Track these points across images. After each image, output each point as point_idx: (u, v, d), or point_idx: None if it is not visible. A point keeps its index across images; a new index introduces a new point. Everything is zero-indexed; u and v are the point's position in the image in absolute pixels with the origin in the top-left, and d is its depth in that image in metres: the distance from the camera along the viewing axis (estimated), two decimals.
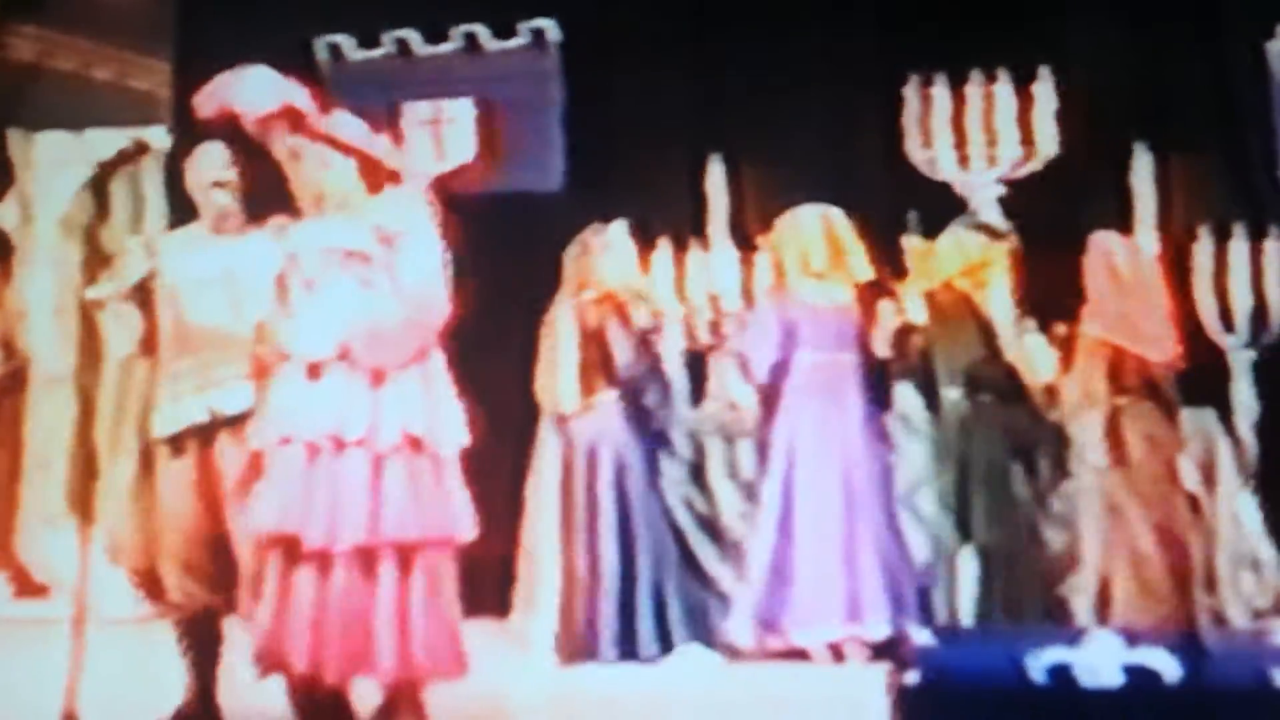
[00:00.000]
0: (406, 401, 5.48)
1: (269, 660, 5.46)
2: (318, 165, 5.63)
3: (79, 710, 5.54)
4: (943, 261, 6.85)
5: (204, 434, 5.73)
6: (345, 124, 5.77)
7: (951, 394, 6.76)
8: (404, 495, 5.40)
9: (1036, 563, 6.71)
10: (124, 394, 6.80)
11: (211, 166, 5.86)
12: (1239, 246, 6.90)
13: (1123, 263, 6.57)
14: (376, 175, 5.63)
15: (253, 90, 5.71)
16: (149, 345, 5.95)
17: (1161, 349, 6.50)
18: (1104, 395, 6.52)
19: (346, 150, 5.66)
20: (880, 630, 6.45)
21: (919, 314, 6.73)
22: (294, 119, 5.58)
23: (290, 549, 5.38)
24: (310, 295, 5.49)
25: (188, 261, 5.82)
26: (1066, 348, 6.62)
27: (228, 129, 5.81)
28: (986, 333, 6.82)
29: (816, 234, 6.70)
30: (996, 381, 6.76)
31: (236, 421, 5.69)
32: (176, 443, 5.84)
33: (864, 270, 6.74)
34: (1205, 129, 7.02)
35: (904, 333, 6.66)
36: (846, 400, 6.61)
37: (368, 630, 5.53)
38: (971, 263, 6.87)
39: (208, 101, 5.63)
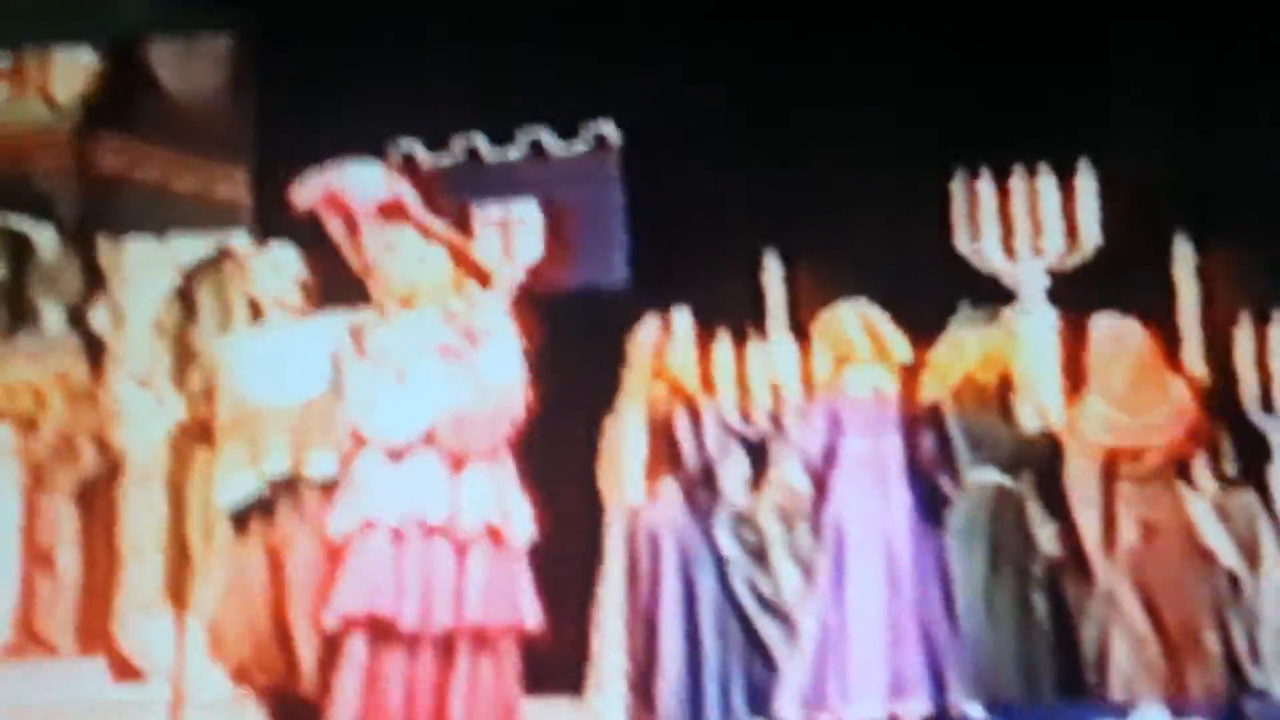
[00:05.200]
0: (483, 491, 5.72)
1: None
2: (413, 259, 5.88)
3: None
4: (953, 358, 7.10)
5: (265, 511, 5.96)
6: (440, 223, 6.04)
7: (985, 476, 6.99)
8: (485, 582, 5.63)
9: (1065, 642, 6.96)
10: (210, 486, 7.11)
11: (279, 278, 6.09)
12: (1278, 331, 7.14)
13: (1123, 345, 6.85)
14: (466, 271, 5.89)
15: (364, 181, 5.97)
16: (208, 433, 6.19)
17: (1164, 433, 6.77)
18: (1097, 495, 6.80)
19: (447, 244, 5.91)
20: (922, 707, 6.67)
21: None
22: (398, 211, 5.84)
23: (381, 632, 5.58)
24: (400, 385, 5.75)
25: (247, 347, 6.08)
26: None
27: (308, 227, 6.08)
28: (1011, 418, 7.06)
29: (852, 327, 6.98)
30: (1037, 461, 7.01)
31: (293, 495, 5.90)
32: (240, 522, 6.10)
33: (904, 355, 7.00)
34: (1242, 217, 7.24)
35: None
36: (890, 483, 6.88)
37: (443, 715, 5.73)
38: (982, 354, 7.09)
39: (310, 191, 5.87)
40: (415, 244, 5.82)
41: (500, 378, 5.75)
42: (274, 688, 6.10)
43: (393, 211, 5.83)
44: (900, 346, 6.99)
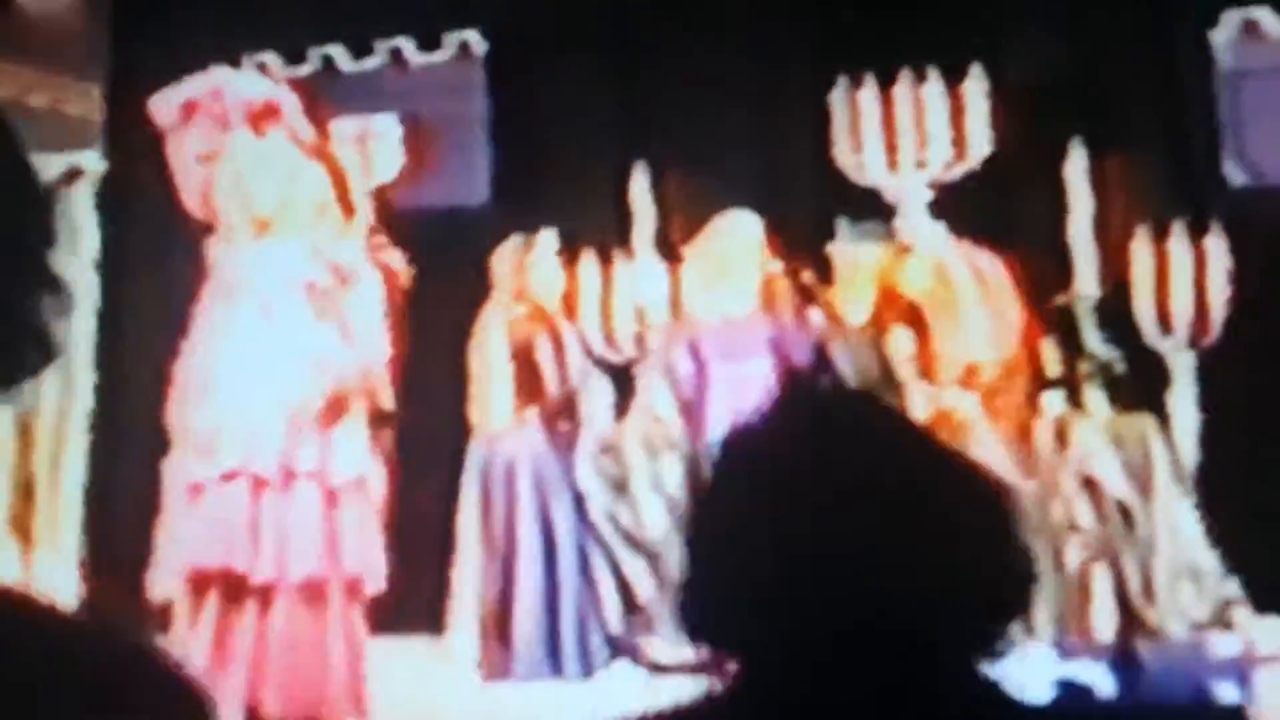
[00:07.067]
0: (353, 439, 5.56)
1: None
2: (286, 174, 5.64)
3: None
4: (857, 275, 6.71)
5: None
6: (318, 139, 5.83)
7: None
8: (357, 530, 5.51)
9: None
10: (64, 418, 6.91)
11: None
12: (1178, 245, 6.63)
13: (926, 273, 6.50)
14: (339, 194, 5.68)
15: (244, 81, 5.81)
16: None
17: (998, 346, 6.41)
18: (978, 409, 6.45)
19: (326, 162, 5.69)
20: None
21: (853, 320, 6.67)
22: (275, 115, 5.64)
23: (232, 585, 5.45)
24: (268, 322, 5.51)
25: None
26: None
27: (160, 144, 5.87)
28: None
29: (714, 247, 6.60)
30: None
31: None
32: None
33: (756, 280, 6.59)
34: (1144, 123, 6.74)
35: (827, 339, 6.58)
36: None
37: (321, 667, 5.53)
38: (877, 273, 6.71)
39: (184, 92, 5.66)
40: (290, 158, 5.64)
41: (365, 325, 5.58)
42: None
43: (270, 115, 5.67)
44: (759, 266, 6.57)
